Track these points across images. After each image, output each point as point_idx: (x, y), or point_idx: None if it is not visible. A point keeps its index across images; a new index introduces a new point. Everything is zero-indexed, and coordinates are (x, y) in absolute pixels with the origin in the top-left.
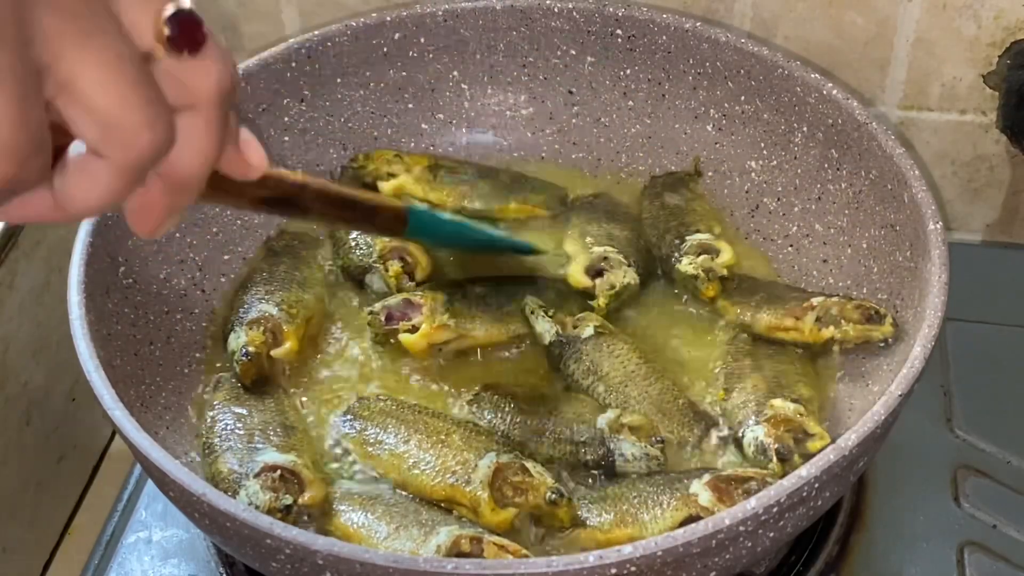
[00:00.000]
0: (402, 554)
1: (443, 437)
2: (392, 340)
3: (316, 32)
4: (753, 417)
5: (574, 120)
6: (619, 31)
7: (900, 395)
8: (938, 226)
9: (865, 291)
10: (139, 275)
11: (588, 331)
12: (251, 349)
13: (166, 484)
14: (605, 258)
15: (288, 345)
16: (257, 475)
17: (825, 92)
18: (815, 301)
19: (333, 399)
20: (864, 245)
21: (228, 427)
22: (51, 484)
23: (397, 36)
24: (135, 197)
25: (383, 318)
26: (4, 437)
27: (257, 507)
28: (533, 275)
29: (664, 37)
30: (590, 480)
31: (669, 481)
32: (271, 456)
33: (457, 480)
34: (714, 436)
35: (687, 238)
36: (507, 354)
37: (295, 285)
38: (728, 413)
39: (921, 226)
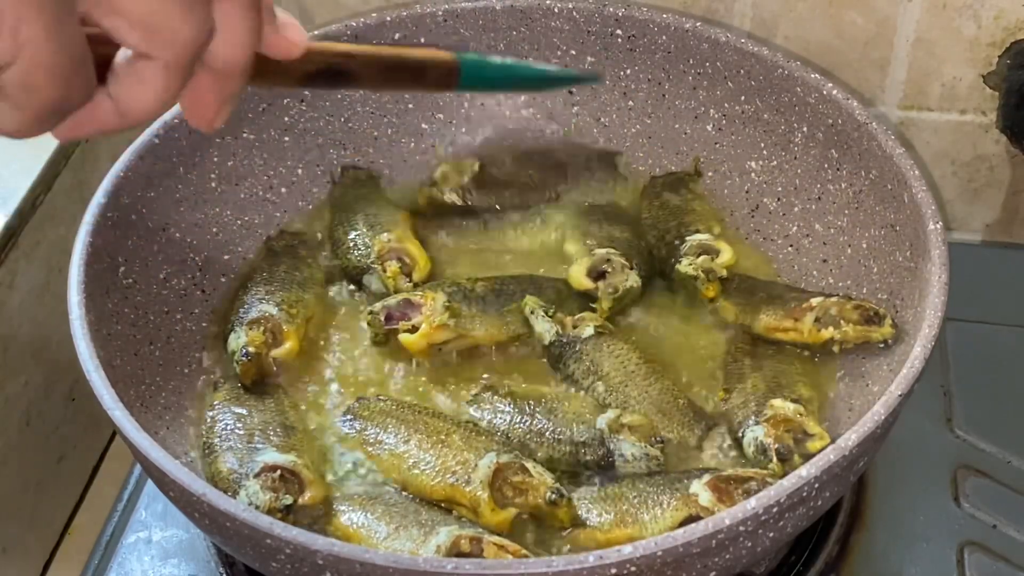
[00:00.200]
0: (402, 554)
1: (443, 437)
2: (392, 340)
3: (316, 32)
4: (753, 417)
5: (574, 120)
6: (619, 31)
7: (900, 395)
8: (938, 226)
9: (865, 291)
10: (139, 275)
11: (588, 331)
12: (251, 349)
13: (166, 484)
14: (607, 260)
15: (288, 345)
16: (257, 475)
17: (825, 92)
18: (814, 301)
19: (333, 399)
20: (864, 245)
21: (228, 427)
22: (51, 484)
23: (397, 36)
24: (187, 93)
25: (383, 318)
26: (4, 437)
27: (257, 507)
28: (533, 275)
29: (664, 37)
30: (590, 480)
31: (669, 481)
32: (271, 456)
33: (457, 480)
34: (714, 436)
35: (687, 238)
36: (507, 354)
37: (295, 285)
38: (728, 413)
39: (921, 226)
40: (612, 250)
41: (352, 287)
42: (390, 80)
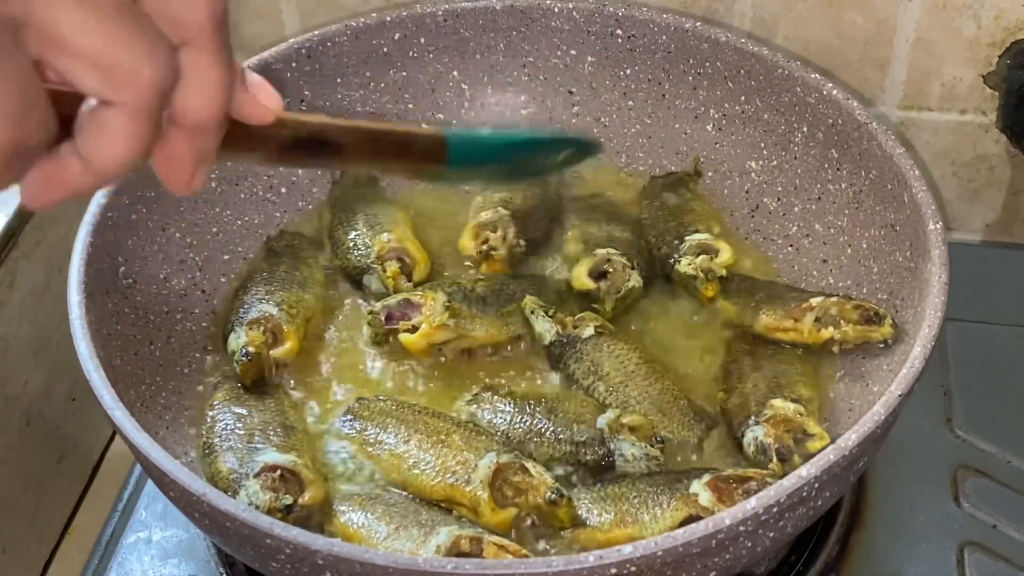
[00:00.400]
0: (402, 554)
1: (443, 437)
2: (392, 340)
3: (316, 32)
4: (753, 417)
5: (574, 120)
6: (619, 31)
7: (900, 395)
8: (938, 226)
9: (865, 291)
10: (139, 275)
11: (588, 331)
12: (251, 349)
13: (166, 484)
14: (608, 260)
15: (288, 345)
16: (257, 475)
17: (825, 92)
18: (814, 301)
19: (333, 399)
20: (864, 245)
21: (228, 427)
22: (51, 484)
23: (397, 36)
24: (160, 153)
25: (383, 318)
26: (4, 437)
27: (257, 507)
28: (534, 275)
29: (664, 37)
30: (590, 480)
31: (669, 481)
32: (271, 456)
33: (457, 480)
34: (714, 436)
35: (686, 238)
36: (507, 354)
37: (295, 285)
38: (728, 413)
39: (921, 226)
40: (613, 250)
41: (352, 287)
42: (376, 153)
